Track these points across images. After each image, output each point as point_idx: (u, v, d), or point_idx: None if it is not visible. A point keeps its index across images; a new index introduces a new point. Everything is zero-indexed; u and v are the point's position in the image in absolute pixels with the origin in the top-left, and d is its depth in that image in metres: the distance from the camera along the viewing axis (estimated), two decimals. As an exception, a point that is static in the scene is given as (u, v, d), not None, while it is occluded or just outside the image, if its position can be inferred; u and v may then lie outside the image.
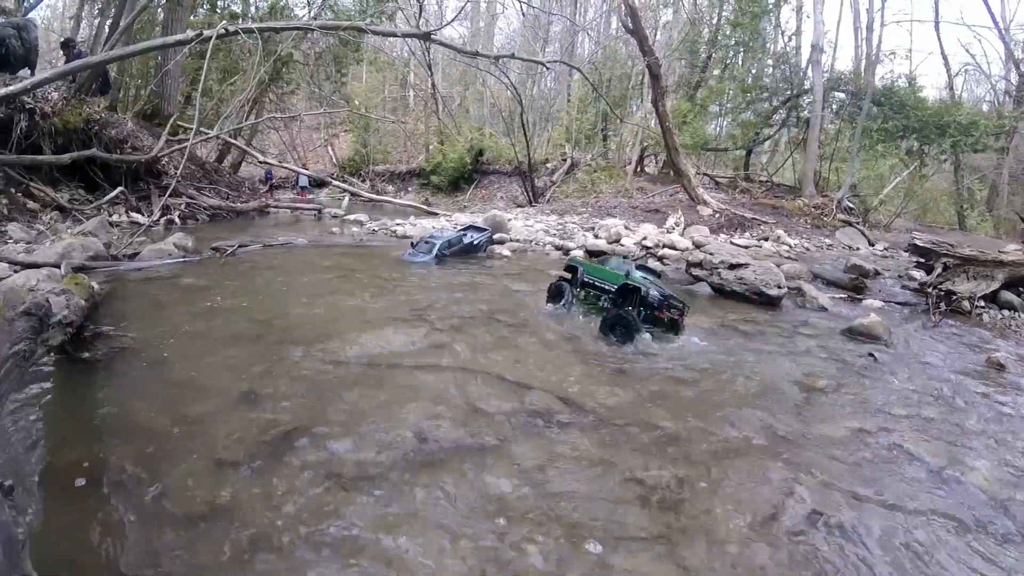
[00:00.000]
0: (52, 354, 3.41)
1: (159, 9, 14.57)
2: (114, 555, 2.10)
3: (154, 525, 2.24)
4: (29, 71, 10.15)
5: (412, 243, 8.57)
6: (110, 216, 9.29)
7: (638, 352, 4.67)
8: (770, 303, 6.74)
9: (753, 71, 20.66)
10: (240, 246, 7.69)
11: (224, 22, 9.71)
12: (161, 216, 9.86)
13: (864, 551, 2.44)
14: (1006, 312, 7.14)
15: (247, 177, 18.88)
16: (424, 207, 16.34)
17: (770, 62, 20.83)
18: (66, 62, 10.61)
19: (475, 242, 8.64)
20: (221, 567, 2.09)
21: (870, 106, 16.30)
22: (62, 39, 12.48)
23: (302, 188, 19.91)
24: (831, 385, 4.35)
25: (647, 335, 4.89)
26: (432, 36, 11.27)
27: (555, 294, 5.76)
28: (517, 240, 10.07)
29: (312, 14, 17.50)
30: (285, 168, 19.60)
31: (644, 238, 10.26)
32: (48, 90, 9.36)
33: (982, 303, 7.22)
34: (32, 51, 10.30)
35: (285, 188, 22.62)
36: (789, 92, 19.05)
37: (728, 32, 20.15)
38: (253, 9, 17.70)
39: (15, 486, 1.65)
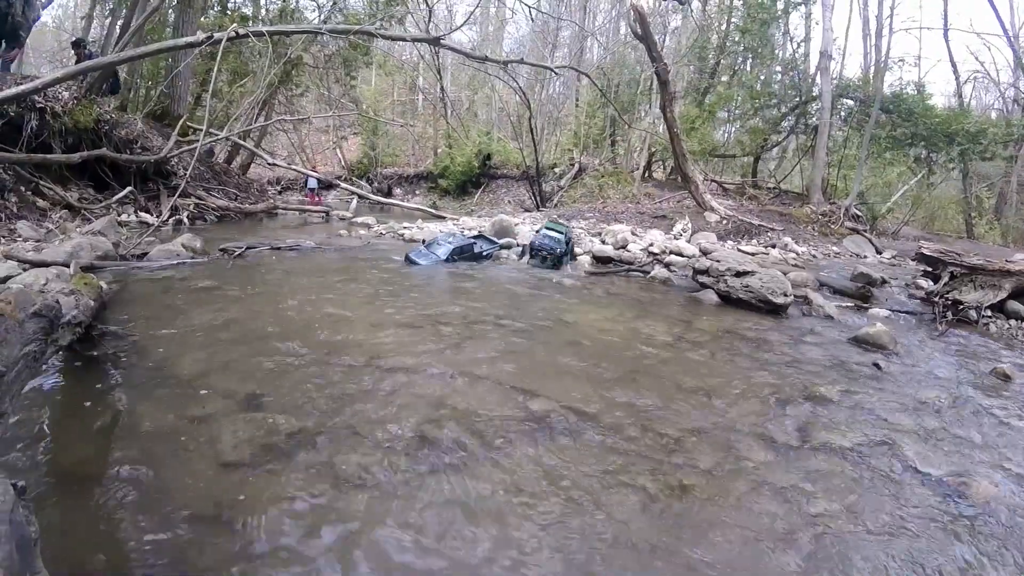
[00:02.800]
0: (61, 353, 3.44)
1: (170, 11, 14.67)
2: (122, 553, 2.12)
3: (161, 524, 2.26)
4: (17, 48, 10.25)
5: (424, 241, 8.62)
6: (119, 216, 9.37)
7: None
8: (776, 311, 6.73)
9: (762, 77, 20.63)
10: (248, 248, 7.73)
11: (235, 24, 9.77)
12: (170, 216, 9.94)
13: (866, 563, 2.44)
14: (1013, 322, 7.11)
15: (256, 179, 18.97)
16: (432, 210, 16.38)
17: (779, 69, 20.79)
18: (77, 62, 10.70)
19: (484, 252, 8.66)
20: (226, 567, 2.10)
21: (878, 113, 16.26)
22: (73, 39, 12.56)
23: (311, 190, 19.98)
24: (836, 394, 4.34)
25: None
26: (441, 41, 11.27)
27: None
28: (523, 245, 10.06)
29: (322, 17, 17.59)
30: (294, 170, 19.67)
31: (651, 244, 10.25)
32: (59, 90, 9.43)
33: (989, 313, 7.19)
34: (26, 29, 10.36)
35: (293, 190, 22.74)
36: (797, 99, 19.02)
37: (737, 38, 20.15)
38: (264, 12, 17.81)
39: (27, 487, 1.67)
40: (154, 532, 2.22)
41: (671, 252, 9.83)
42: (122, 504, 2.37)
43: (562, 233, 8.96)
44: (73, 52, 11.69)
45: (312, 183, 19.96)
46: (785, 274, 7.39)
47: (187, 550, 2.16)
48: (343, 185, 19.75)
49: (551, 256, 8.51)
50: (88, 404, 3.22)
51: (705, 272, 7.39)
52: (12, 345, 2.40)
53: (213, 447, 2.83)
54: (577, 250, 9.71)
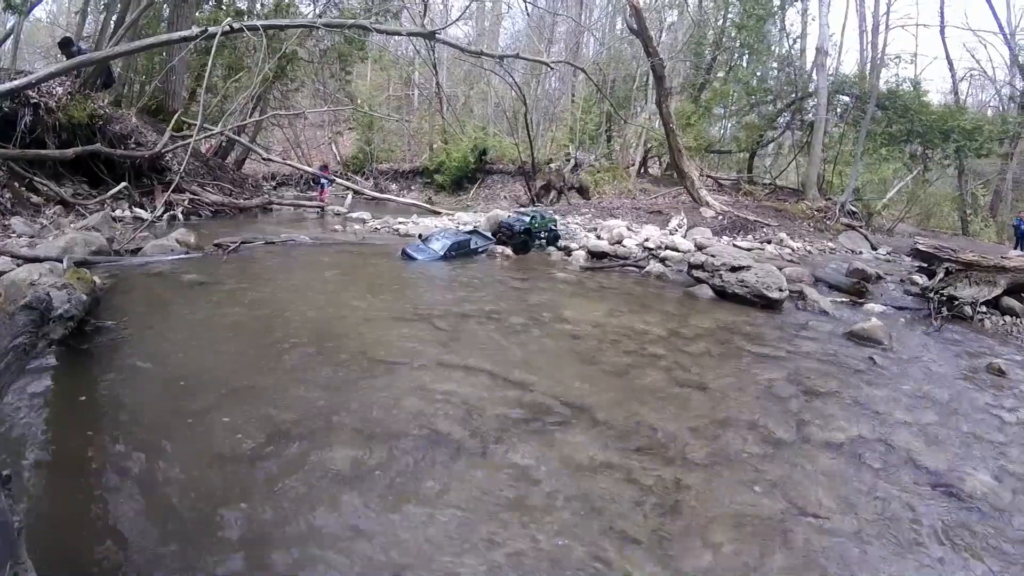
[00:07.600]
0: (53, 347, 3.42)
1: (164, 5, 14.59)
2: (112, 543, 2.11)
3: (152, 515, 2.26)
4: None
5: (420, 236, 8.62)
6: (113, 211, 9.32)
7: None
8: (771, 306, 6.73)
9: (758, 74, 20.59)
10: (242, 243, 7.70)
11: (229, 19, 9.71)
12: (164, 212, 9.89)
13: (860, 554, 2.44)
14: (1008, 318, 7.13)
15: (251, 174, 18.89)
16: (427, 206, 16.33)
17: (775, 65, 20.77)
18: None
19: (479, 248, 8.69)
20: (220, 557, 2.10)
21: (874, 110, 16.26)
22: (60, 39, 12.39)
23: (321, 186, 19.90)
24: (830, 388, 4.35)
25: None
26: (437, 35, 11.21)
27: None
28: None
29: (317, 12, 17.48)
30: (290, 166, 19.58)
31: (647, 239, 10.23)
32: (52, 85, 9.37)
33: (984, 309, 7.20)
34: None
35: (288, 185, 22.64)
36: (793, 95, 19.02)
37: (733, 34, 20.12)
38: (259, 6, 17.70)
39: (11, 475, 1.66)
40: (145, 523, 2.21)
41: (666, 247, 9.82)
42: (114, 496, 2.36)
43: (531, 216, 9.47)
44: (61, 52, 11.51)
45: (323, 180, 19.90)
46: (780, 269, 7.40)
47: (178, 541, 2.15)
48: (339, 181, 19.66)
49: (509, 234, 8.96)
50: (80, 397, 3.21)
51: (700, 267, 7.39)
52: (1, 337, 2.39)
53: (206, 439, 2.82)
54: (572, 245, 9.68)
